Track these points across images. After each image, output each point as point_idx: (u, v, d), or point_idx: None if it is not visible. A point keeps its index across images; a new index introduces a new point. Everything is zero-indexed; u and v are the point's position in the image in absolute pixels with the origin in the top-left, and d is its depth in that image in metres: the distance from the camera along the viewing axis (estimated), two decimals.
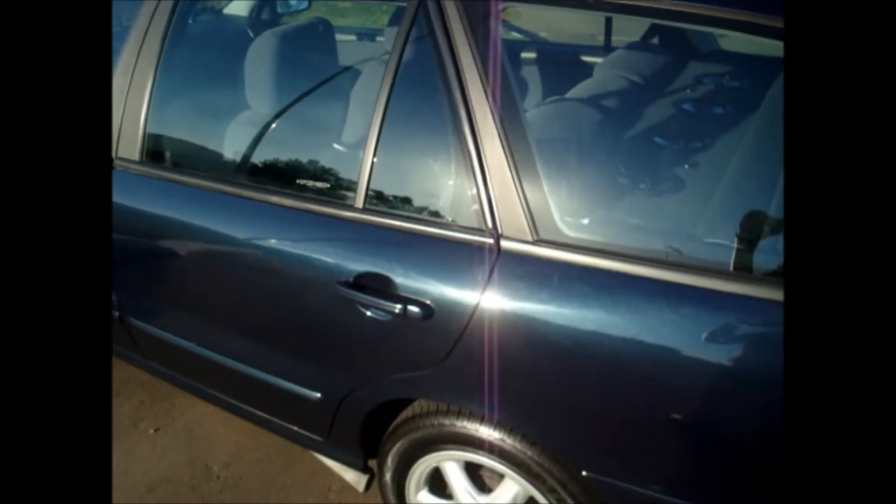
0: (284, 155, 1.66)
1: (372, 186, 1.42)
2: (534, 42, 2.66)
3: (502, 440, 1.41)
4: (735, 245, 1.21)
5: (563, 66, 2.42)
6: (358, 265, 1.40)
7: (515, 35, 2.74)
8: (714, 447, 1.22)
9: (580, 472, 1.35)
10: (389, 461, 1.65)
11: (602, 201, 1.35)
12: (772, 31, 1.15)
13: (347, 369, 1.55)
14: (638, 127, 1.66)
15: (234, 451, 2.19)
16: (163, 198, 1.72)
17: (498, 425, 1.41)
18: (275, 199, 1.53)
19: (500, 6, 1.34)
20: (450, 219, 1.35)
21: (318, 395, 1.62)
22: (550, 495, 1.42)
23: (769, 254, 1.17)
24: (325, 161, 1.61)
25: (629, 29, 2.30)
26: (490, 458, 1.46)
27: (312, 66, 1.99)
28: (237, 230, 1.59)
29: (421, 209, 1.40)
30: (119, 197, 1.75)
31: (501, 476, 1.52)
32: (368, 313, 1.39)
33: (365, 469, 1.80)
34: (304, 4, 2.87)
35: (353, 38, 2.91)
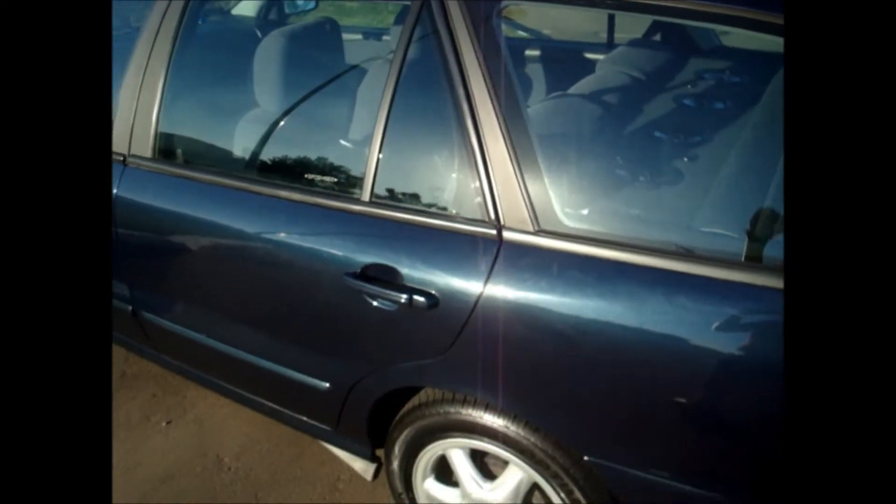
0: (293, 151, 1.70)
1: (378, 181, 1.46)
2: (538, 40, 2.69)
3: (506, 427, 1.45)
4: (732, 235, 1.25)
5: (565, 63, 2.45)
6: (365, 257, 1.44)
7: (520, 33, 2.78)
8: (712, 432, 1.26)
9: (582, 458, 1.39)
10: (397, 449, 1.68)
11: (601, 193, 1.39)
12: (770, 26, 1.18)
13: (355, 359, 1.59)
14: (638, 121, 1.69)
15: (245, 442, 2.23)
16: (174, 194, 1.76)
17: (502, 412, 1.45)
18: (284, 193, 1.57)
19: (502, 4, 1.38)
20: (454, 211, 1.39)
21: (327, 384, 1.66)
22: (554, 481, 1.46)
23: (764, 243, 1.21)
24: (333, 156, 1.65)
25: (632, 26, 2.33)
26: (494, 445, 1.50)
27: (320, 65, 2.03)
28: (247, 224, 1.63)
29: (426, 202, 1.43)
30: (131, 193, 1.80)
31: (506, 463, 1.55)
32: (375, 303, 1.43)
33: (373, 458, 1.84)
34: (312, 4, 2.91)
35: (360, 37, 2.95)
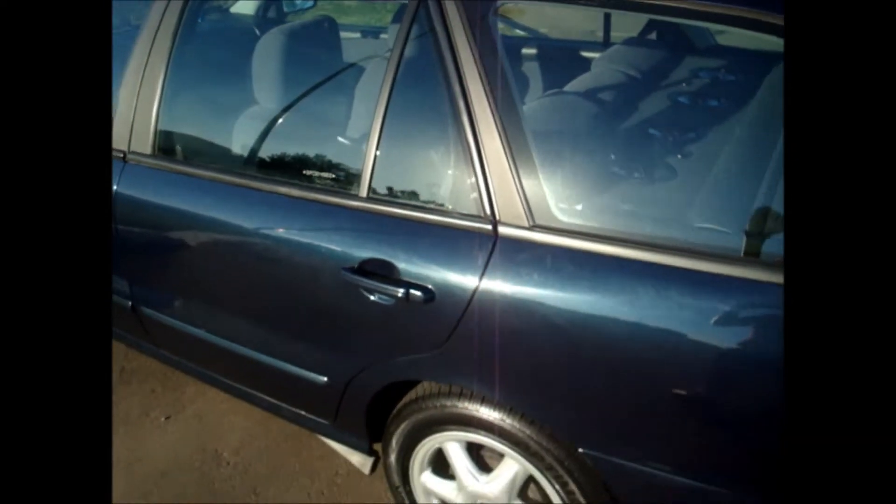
0: (291, 147, 1.72)
1: (375, 177, 1.47)
2: (534, 38, 2.71)
3: (502, 420, 1.47)
4: (724, 230, 1.27)
5: (561, 61, 2.47)
6: (362, 252, 1.46)
7: (517, 32, 2.80)
8: (704, 424, 1.28)
9: (576, 450, 1.41)
10: (394, 443, 1.70)
11: (595, 189, 1.41)
12: (765, 25, 1.20)
13: (353, 353, 1.61)
14: (632, 119, 1.71)
15: (243, 437, 2.25)
16: (174, 190, 1.78)
17: (497, 405, 1.47)
18: (282, 189, 1.59)
19: (498, 3, 1.40)
20: (450, 207, 1.41)
21: (325, 378, 1.68)
22: (548, 473, 1.48)
23: (756, 238, 1.23)
24: (331, 153, 1.67)
25: (628, 25, 2.36)
26: (490, 438, 1.52)
27: (318, 63, 2.05)
28: (246, 220, 1.65)
29: (422, 198, 1.45)
30: (131, 190, 1.82)
31: (502, 456, 1.57)
32: (373, 298, 1.45)
33: (370, 452, 1.86)
34: (310, 3, 2.93)
35: (358, 35, 2.97)
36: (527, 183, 1.32)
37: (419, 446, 1.67)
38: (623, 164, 1.49)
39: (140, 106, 1.80)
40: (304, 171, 1.62)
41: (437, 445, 1.66)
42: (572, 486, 1.46)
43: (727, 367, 1.20)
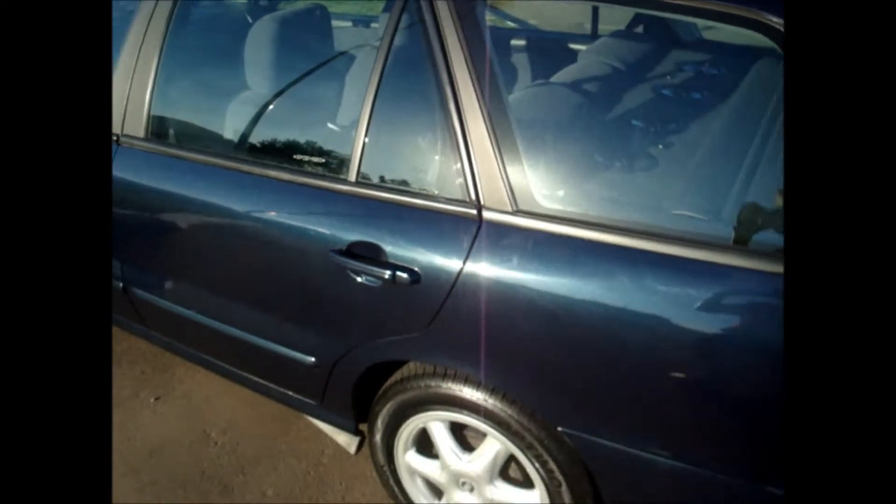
0: (282, 133, 1.76)
1: (364, 162, 1.51)
2: (523, 30, 2.75)
3: (484, 399, 1.51)
4: (699, 217, 1.32)
5: (549, 52, 2.51)
6: (351, 235, 1.50)
7: (507, 23, 2.83)
8: (680, 403, 1.32)
9: (556, 429, 1.45)
10: (379, 423, 1.75)
11: (577, 176, 1.45)
12: (746, 21, 1.23)
13: (340, 334, 1.65)
14: (615, 110, 1.76)
15: (232, 418, 2.29)
16: (166, 173, 1.81)
17: (480, 386, 1.51)
18: (273, 173, 1.63)
19: None
20: (436, 192, 1.45)
21: (313, 359, 1.72)
22: (529, 452, 1.52)
23: (730, 224, 1.28)
24: (321, 138, 1.71)
25: (615, 18, 2.39)
26: (473, 418, 1.56)
27: (309, 50, 2.08)
28: (237, 203, 1.69)
29: (410, 183, 1.49)
30: (123, 172, 1.85)
31: (484, 435, 1.62)
32: (360, 279, 1.49)
33: (356, 432, 1.90)
34: None
35: (349, 24, 3.00)
36: (511, 169, 1.36)
37: (404, 426, 1.72)
38: (605, 153, 1.53)
39: (134, 90, 1.83)
40: (295, 156, 1.65)
41: (421, 425, 1.70)
42: (552, 465, 1.51)
43: (701, 348, 1.25)
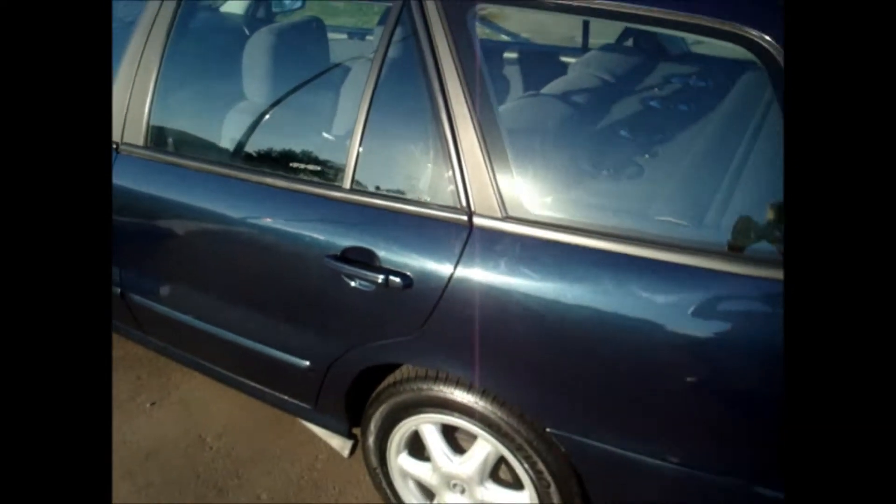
0: (278, 141, 1.80)
1: (358, 170, 1.56)
2: (515, 43, 2.81)
3: (475, 402, 1.55)
4: (682, 223, 1.36)
5: (540, 64, 2.56)
6: (345, 240, 1.54)
7: (500, 36, 2.89)
8: (664, 404, 1.35)
9: (544, 430, 1.49)
10: (372, 426, 1.78)
11: (565, 184, 1.49)
12: (726, 34, 1.27)
13: (334, 337, 1.68)
14: (603, 120, 1.80)
15: (227, 422, 2.32)
16: (165, 180, 1.85)
17: (471, 388, 1.55)
18: (269, 180, 1.67)
19: (476, 7, 1.48)
20: (428, 199, 1.49)
21: (307, 363, 1.75)
22: (518, 453, 1.56)
23: (713, 229, 1.33)
24: (316, 147, 1.75)
25: (606, 32, 2.45)
26: (464, 420, 1.60)
27: (305, 62, 2.12)
28: (234, 210, 1.73)
29: (402, 190, 1.54)
30: (122, 179, 1.89)
31: (475, 438, 1.65)
32: (353, 284, 1.53)
33: (350, 435, 1.94)
34: (298, 4, 3.00)
35: (345, 36, 3.05)
36: (500, 177, 1.40)
37: (396, 429, 1.75)
38: (592, 162, 1.58)
39: (134, 99, 1.88)
40: (291, 164, 1.70)
41: (413, 428, 1.74)
42: (540, 466, 1.54)
43: (686, 350, 1.29)
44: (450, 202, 1.45)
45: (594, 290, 1.32)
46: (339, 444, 2.14)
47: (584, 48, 2.43)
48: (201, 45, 2.15)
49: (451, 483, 1.74)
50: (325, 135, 1.80)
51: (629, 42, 2.27)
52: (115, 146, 1.91)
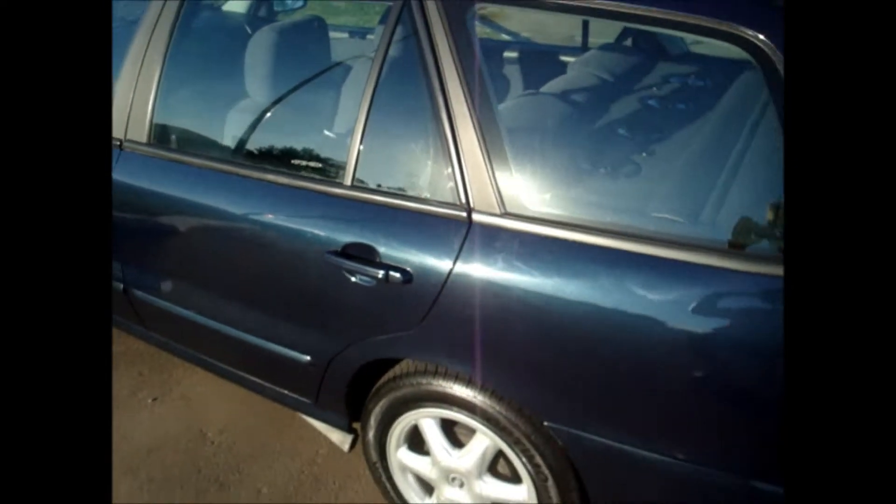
0: (280, 139, 1.82)
1: (359, 167, 1.57)
2: (515, 42, 2.82)
3: (474, 396, 1.57)
4: (678, 219, 1.38)
5: (539, 64, 2.58)
6: (346, 236, 1.56)
7: (500, 35, 2.91)
8: (660, 398, 1.37)
9: (542, 424, 1.51)
10: (372, 420, 1.80)
11: (563, 181, 1.51)
12: (722, 34, 1.29)
13: (335, 332, 1.70)
14: (601, 119, 1.82)
15: (228, 418, 2.34)
16: (168, 177, 1.87)
17: (469, 382, 1.57)
18: (271, 177, 1.69)
19: (476, 6, 1.50)
20: (428, 195, 1.51)
21: (308, 357, 1.77)
22: (516, 447, 1.57)
23: (709, 226, 1.34)
24: (317, 144, 1.77)
25: (606, 31, 2.46)
26: (463, 414, 1.62)
27: (307, 60, 2.14)
28: (236, 206, 1.75)
29: (403, 187, 1.56)
30: (126, 176, 1.91)
31: (473, 432, 1.67)
32: (354, 279, 1.55)
33: (350, 430, 1.96)
34: (300, 3, 3.02)
35: (346, 35, 3.07)
36: (499, 174, 1.42)
37: (396, 423, 1.77)
38: (590, 159, 1.60)
39: (137, 97, 1.90)
40: (293, 161, 1.72)
41: (412, 422, 1.76)
42: (538, 460, 1.56)
43: (683, 345, 1.30)
44: (449, 199, 1.47)
45: (592, 285, 1.33)
46: (340, 438, 2.16)
47: (584, 48, 2.45)
48: (204, 44, 2.17)
49: (450, 477, 1.76)
50: (327, 132, 1.82)
51: (628, 42, 2.29)
52: (118, 143, 1.93)
